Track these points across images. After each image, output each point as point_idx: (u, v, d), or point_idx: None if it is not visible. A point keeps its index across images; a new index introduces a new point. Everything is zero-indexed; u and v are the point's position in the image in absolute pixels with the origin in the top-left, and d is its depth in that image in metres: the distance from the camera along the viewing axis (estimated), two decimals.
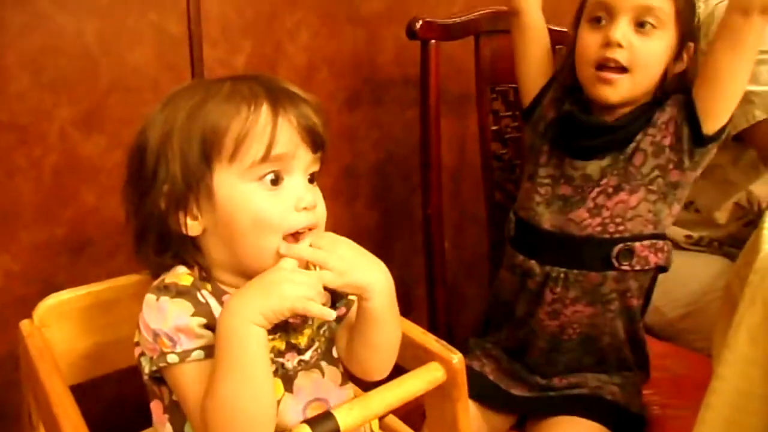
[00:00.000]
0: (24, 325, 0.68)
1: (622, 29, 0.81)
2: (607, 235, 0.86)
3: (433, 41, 1.01)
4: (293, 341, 0.63)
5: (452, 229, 1.30)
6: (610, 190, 0.86)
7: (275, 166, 0.58)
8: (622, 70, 0.82)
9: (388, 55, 1.14)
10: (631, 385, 0.92)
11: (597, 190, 0.87)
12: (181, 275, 0.60)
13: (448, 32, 1.03)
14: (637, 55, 0.82)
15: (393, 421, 0.81)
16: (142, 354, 0.58)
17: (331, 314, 0.58)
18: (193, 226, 0.60)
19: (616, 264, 0.85)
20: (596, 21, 0.84)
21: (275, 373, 0.61)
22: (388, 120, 1.19)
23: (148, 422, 0.65)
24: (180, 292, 0.58)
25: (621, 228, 0.86)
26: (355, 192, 1.18)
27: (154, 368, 0.57)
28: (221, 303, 0.59)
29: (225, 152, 0.57)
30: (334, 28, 1.07)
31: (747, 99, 0.95)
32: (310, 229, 0.60)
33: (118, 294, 0.73)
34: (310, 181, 0.62)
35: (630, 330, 0.91)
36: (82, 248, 0.90)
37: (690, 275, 1.11)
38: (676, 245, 1.15)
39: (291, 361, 0.63)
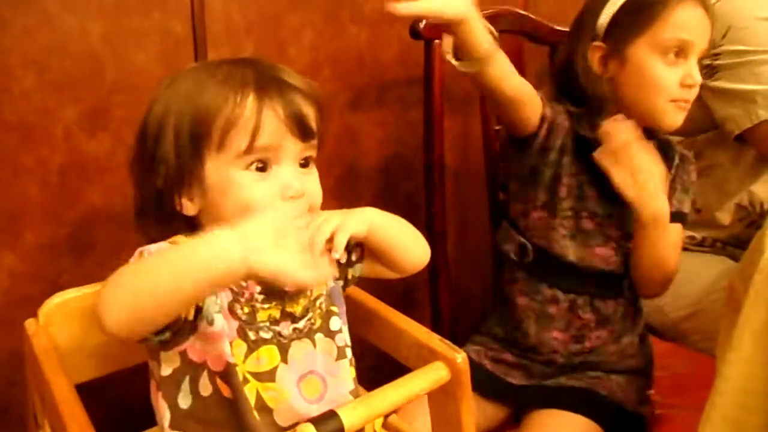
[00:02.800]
0: (29, 324, 0.69)
1: (696, 68, 0.84)
2: (626, 267, 0.91)
3: (436, 41, 1.01)
4: (288, 309, 0.65)
5: (455, 229, 1.30)
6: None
7: (261, 155, 0.60)
8: None
9: (391, 55, 1.14)
10: (630, 384, 0.92)
11: (620, 233, 0.90)
12: (179, 239, 0.61)
13: None
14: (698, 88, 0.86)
15: (397, 420, 0.81)
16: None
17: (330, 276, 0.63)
18: (188, 206, 0.62)
19: (625, 292, 0.92)
20: (672, 55, 0.83)
21: (271, 340, 0.62)
22: (392, 120, 1.19)
23: (154, 422, 0.65)
24: (168, 242, 0.60)
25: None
26: (359, 191, 1.18)
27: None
28: None
29: (213, 142, 0.59)
30: (337, 28, 1.07)
31: (750, 99, 0.95)
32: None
33: None
34: (304, 165, 0.63)
35: (639, 340, 0.95)
36: (87, 248, 0.90)
37: (693, 276, 1.11)
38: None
39: (286, 329, 0.64)
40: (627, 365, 0.93)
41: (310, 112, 0.62)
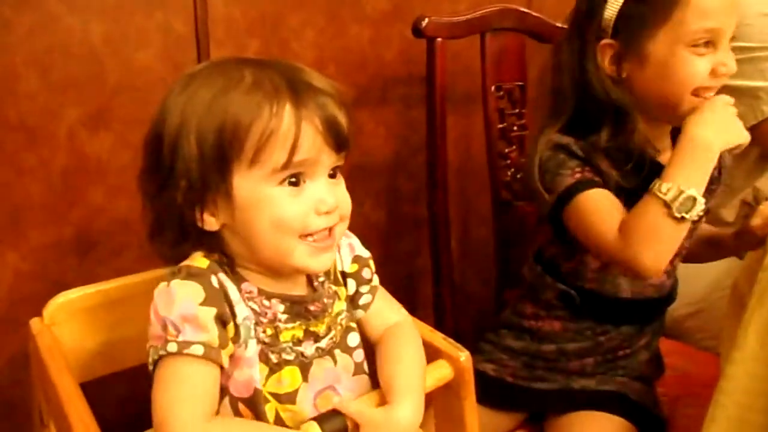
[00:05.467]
0: (34, 323, 0.69)
1: (730, 55, 0.76)
2: (672, 288, 0.90)
3: (439, 39, 1.00)
4: (312, 329, 0.62)
5: (458, 227, 1.30)
6: (683, 250, 0.85)
7: (296, 170, 0.56)
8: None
9: (393, 54, 1.14)
10: (650, 389, 0.92)
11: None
12: (197, 258, 0.58)
13: (454, 30, 1.03)
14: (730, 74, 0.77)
15: None
16: (152, 346, 0.56)
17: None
18: (210, 222, 0.58)
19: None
20: (699, 47, 0.74)
21: (293, 361, 0.60)
22: (394, 118, 1.19)
23: None
24: (191, 274, 0.56)
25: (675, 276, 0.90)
26: (361, 190, 1.18)
27: (156, 357, 0.54)
28: (240, 289, 0.58)
29: (244, 156, 0.55)
30: (339, 26, 1.07)
31: (754, 95, 0.95)
32: (329, 230, 0.59)
33: (127, 292, 0.73)
34: (332, 175, 0.60)
35: (656, 347, 0.94)
36: (90, 247, 0.90)
37: (697, 274, 1.11)
38: (696, 257, 1.14)
39: (309, 348, 0.62)
40: (648, 372, 0.92)
41: (344, 121, 0.58)
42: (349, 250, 0.68)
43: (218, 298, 0.56)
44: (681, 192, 0.69)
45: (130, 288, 0.73)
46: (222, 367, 0.55)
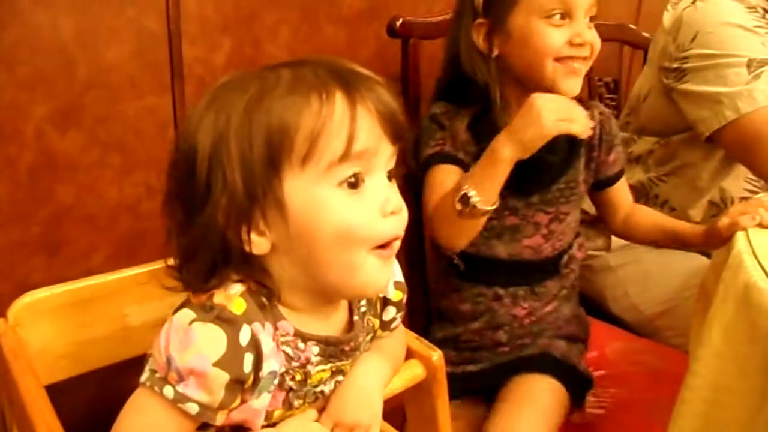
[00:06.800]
0: None
1: (586, 27, 0.82)
2: (556, 252, 0.93)
3: (413, 39, 1.01)
4: (342, 368, 0.58)
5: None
6: (562, 216, 0.92)
7: (356, 166, 0.50)
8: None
9: (368, 53, 1.14)
10: (572, 348, 0.96)
11: (548, 217, 0.91)
12: (235, 298, 0.51)
13: (429, 30, 1.03)
14: (594, 47, 0.83)
15: None
16: (151, 368, 0.51)
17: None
18: (259, 243, 0.50)
19: (562, 271, 0.95)
20: (554, 17, 0.81)
21: (311, 402, 0.57)
22: None
23: None
24: (222, 320, 0.49)
25: (563, 242, 0.94)
26: None
27: (149, 385, 0.50)
28: (275, 333, 0.53)
29: (296, 154, 0.48)
30: (314, 26, 1.07)
31: (716, 100, 0.97)
32: (397, 238, 0.53)
33: (96, 292, 0.72)
34: (389, 178, 0.53)
35: (574, 310, 1.00)
36: (58, 247, 0.88)
37: (667, 273, 1.13)
38: (654, 243, 1.17)
39: (330, 385, 0.58)
40: (567, 331, 0.97)
41: (398, 108, 0.52)
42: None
43: (238, 360, 0.49)
44: (465, 192, 0.78)
45: (99, 288, 0.72)
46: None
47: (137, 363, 0.55)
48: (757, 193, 1.10)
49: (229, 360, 0.48)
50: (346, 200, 0.50)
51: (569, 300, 0.99)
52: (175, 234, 0.53)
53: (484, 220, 0.81)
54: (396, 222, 0.52)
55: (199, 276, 0.52)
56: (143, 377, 0.51)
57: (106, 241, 0.91)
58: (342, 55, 1.10)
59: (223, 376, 0.48)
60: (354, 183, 0.50)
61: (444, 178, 0.84)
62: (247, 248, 0.50)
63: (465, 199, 0.78)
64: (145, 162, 0.92)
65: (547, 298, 0.95)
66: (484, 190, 0.78)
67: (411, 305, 1.09)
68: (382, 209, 0.51)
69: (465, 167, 0.84)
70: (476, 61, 0.84)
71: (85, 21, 0.85)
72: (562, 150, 0.90)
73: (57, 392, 0.63)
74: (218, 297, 0.51)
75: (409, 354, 0.66)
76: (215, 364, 0.48)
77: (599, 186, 0.96)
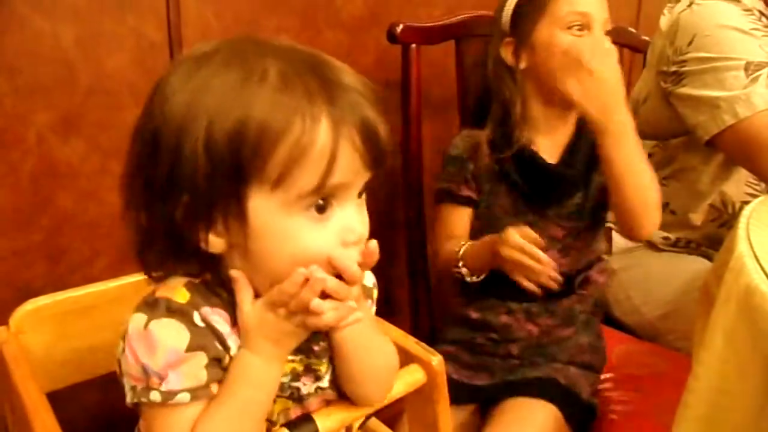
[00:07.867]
0: (0, 331, 0.67)
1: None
2: (573, 270, 0.93)
3: (414, 45, 1.01)
4: (314, 366, 0.58)
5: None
6: (579, 232, 0.93)
7: (327, 194, 0.48)
8: None
9: (369, 59, 1.14)
10: (585, 377, 0.95)
11: (564, 232, 0.92)
12: (177, 290, 0.51)
13: (429, 36, 1.03)
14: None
15: (376, 424, 0.81)
16: (131, 386, 0.51)
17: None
18: (216, 243, 0.49)
19: (577, 291, 0.94)
20: (574, 29, 0.87)
21: (289, 396, 0.57)
22: None
23: (130, 429, 0.64)
24: (171, 311, 0.49)
25: (580, 260, 0.94)
26: None
27: (136, 401, 0.50)
28: (232, 318, 0.52)
29: (266, 177, 0.46)
30: (314, 32, 1.07)
31: (714, 104, 0.97)
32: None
33: (96, 300, 0.72)
34: (360, 194, 0.52)
35: (594, 341, 0.98)
36: (59, 254, 0.89)
37: (669, 276, 1.13)
38: (654, 247, 1.16)
39: (307, 385, 0.58)
40: (582, 360, 0.96)
41: (383, 131, 0.49)
42: None
43: (206, 339, 0.50)
44: (459, 270, 0.91)
45: (101, 295, 0.73)
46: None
47: None
48: (757, 196, 1.09)
49: (199, 341, 0.49)
50: (309, 226, 0.49)
51: (589, 328, 0.98)
52: (131, 209, 0.50)
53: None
54: (354, 253, 0.51)
55: (155, 263, 0.52)
56: (128, 399, 0.51)
57: (107, 247, 0.91)
58: (342, 62, 1.11)
59: (201, 357, 0.49)
60: (322, 207, 0.49)
61: (449, 218, 0.95)
62: (203, 246, 0.49)
63: (458, 272, 0.92)
64: None
65: (564, 319, 0.94)
66: (475, 271, 0.91)
67: (411, 305, 1.10)
68: (343, 238, 0.50)
69: (471, 203, 0.94)
70: (502, 74, 0.92)
71: (85, 29, 0.85)
72: (580, 163, 0.91)
73: (59, 399, 0.63)
74: (161, 291, 0.51)
75: (410, 358, 0.66)
76: (188, 350, 0.49)
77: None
